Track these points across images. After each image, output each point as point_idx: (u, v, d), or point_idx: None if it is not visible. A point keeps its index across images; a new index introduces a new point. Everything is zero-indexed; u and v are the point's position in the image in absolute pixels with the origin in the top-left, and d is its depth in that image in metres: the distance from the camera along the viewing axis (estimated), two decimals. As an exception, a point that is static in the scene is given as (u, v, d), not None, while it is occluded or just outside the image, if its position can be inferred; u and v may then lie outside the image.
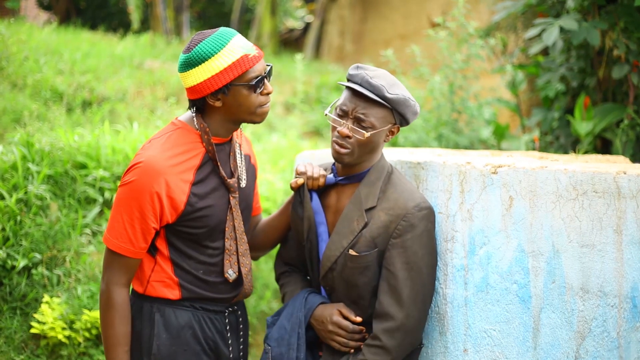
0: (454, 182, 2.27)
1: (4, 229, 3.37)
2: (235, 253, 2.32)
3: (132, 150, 4.02)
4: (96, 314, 3.26)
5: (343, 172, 2.30)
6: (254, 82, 2.17)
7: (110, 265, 2.20)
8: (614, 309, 1.96)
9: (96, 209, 3.73)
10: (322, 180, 2.32)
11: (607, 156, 2.90)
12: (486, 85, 5.34)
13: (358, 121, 2.18)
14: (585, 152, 3.60)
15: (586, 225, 2.00)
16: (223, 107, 2.20)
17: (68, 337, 3.25)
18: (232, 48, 2.15)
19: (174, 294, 2.25)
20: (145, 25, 11.15)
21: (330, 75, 8.12)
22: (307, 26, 12.34)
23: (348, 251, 2.22)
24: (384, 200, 2.23)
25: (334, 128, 2.23)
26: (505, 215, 2.15)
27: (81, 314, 3.29)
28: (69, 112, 5.11)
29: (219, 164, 2.24)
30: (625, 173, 1.95)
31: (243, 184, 2.31)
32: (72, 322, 3.28)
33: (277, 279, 2.56)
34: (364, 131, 2.16)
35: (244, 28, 11.75)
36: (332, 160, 2.38)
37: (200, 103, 2.22)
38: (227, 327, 2.36)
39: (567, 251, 2.03)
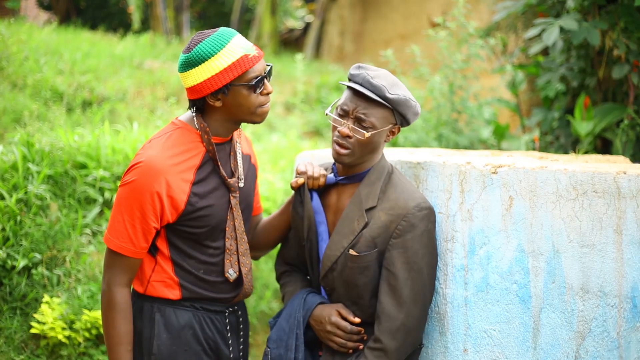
0: (453, 182, 2.27)
1: (4, 229, 3.37)
2: (235, 253, 2.32)
3: (132, 150, 4.02)
4: (96, 314, 3.26)
5: (343, 172, 2.30)
6: (253, 82, 2.17)
7: (111, 266, 2.20)
8: (614, 309, 1.96)
9: (96, 209, 3.73)
10: (322, 180, 2.32)
11: (607, 156, 2.90)
12: (486, 85, 5.34)
13: (358, 121, 2.18)
14: (585, 152, 3.60)
15: (586, 225, 2.00)
16: (223, 107, 2.20)
17: (68, 337, 3.24)
18: (232, 48, 2.15)
19: (174, 294, 2.25)
20: (145, 25, 11.15)
21: (330, 75, 8.12)
22: (307, 26, 12.35)
23: (348, 251, 2.22)
24: (384, 200, 2.23)
25: (334, 128, 2.23)
26: (505, 215, 2.15)
27: (81, 314, 3.29)
28: (69, 112, 5.11)
29: (219, 163, 2.24)
30: (625, 173, 1.95)
31: (241, 183, 2.32)
32: (72, 322, 3.28)
33: (278, 279, 2.57)
34: (364, 131, 2.16)
35: (244, 28, 11.75)
36: (333, 160, 2.38)
37: (200, 103, 2.22)
38: (228, 327, 2.36)
39: (567, 251, 2.03)
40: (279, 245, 2.63)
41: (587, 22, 3.46)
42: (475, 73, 4.81)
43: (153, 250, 2.25)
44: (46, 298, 3.26)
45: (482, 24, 5.91)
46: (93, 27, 10.11)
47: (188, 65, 2.16)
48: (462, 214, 2.25)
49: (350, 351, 2.25)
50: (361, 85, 2.17)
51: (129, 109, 5.57)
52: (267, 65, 2.24)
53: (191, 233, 2.23)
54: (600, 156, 2.91)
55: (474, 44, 4.66)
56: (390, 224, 2.19)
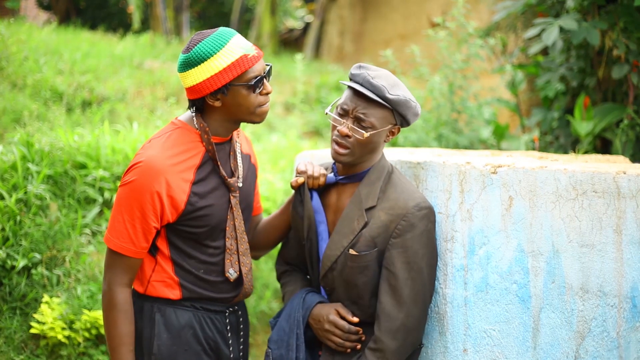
0: (453, 182, 2.27)
1: (3, 229, 3.37)
2: (236, 252, 2.32)
3: (132, 150, 4.02)
4: (96, 314, 3.26)
5: (343, 171, 2.30)
6: (253, 82, 2.17)
7: (112, 266, 2.20)
8: (613, 309, 1.96)
9: (96, 209, 3.74)
10: (322, 180, 2.32)
11: (607, 156, 2.90)
12: (486, 85, 5.34)
13: (358, 121, 2.18)
14: (585, 152, 3.60)
15: (586, 225, 2.00)
16: (222, 107, 2.20)
17: (68, 337, 3.24)
18: (231, 48, 2.15)
19: (174, 293, 2.25)
20: (145, 25, 11.15)
21: (330, 75, 8.12)
22: (307, 26, 12.35)
23: (348, 251, 2.22)
24: (384, 199, 2.23)
25: (334, 127, 2.23)
26: (505, 215, 2.15)
27: (81, 314, 3.29)
28: (68, 112, 5.11)
29: (219, 163, 2.24)
30: (625, 173, 1.95)
31: (240, 183, 2.31)
32: (72, 322, 3.28)
33: (278, 279, 2.57)
34: (363, 131, 2.16)
35: (244, 28, 11.76)
36: (333, 160, 2.38)
37: (199, 103, 2.22)
38: (228, 327, 2.36)
39: (567, 251, 2.03)
40: (279, 245, 2.63)
41: (586, 22, 3.46)
42: (475, 73, 4.81)
43: (153, 250, 2.25)
44: (46, 298, 3.26)
45: (481, 24, 5.91)
46: (93, 27, 10.11)
47: (187, 65, 2.16)
48: (461, 213, 2.25)
49: (349, 350, 2.25)
50: (361, 85, 2.17)
51: (129, 109, 5.57)
52: (267, 65, 2.24)
53: (191, 233, 2.23)
54: (600, 156, 2.91)
55: (473, 44, 4.66)
56: (390, 224, 2.19)
